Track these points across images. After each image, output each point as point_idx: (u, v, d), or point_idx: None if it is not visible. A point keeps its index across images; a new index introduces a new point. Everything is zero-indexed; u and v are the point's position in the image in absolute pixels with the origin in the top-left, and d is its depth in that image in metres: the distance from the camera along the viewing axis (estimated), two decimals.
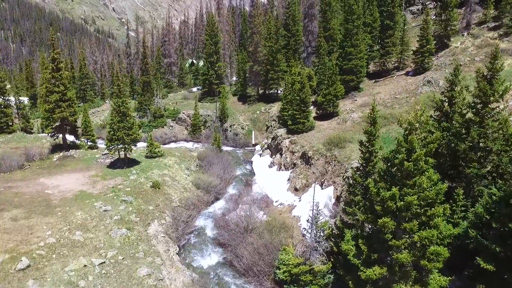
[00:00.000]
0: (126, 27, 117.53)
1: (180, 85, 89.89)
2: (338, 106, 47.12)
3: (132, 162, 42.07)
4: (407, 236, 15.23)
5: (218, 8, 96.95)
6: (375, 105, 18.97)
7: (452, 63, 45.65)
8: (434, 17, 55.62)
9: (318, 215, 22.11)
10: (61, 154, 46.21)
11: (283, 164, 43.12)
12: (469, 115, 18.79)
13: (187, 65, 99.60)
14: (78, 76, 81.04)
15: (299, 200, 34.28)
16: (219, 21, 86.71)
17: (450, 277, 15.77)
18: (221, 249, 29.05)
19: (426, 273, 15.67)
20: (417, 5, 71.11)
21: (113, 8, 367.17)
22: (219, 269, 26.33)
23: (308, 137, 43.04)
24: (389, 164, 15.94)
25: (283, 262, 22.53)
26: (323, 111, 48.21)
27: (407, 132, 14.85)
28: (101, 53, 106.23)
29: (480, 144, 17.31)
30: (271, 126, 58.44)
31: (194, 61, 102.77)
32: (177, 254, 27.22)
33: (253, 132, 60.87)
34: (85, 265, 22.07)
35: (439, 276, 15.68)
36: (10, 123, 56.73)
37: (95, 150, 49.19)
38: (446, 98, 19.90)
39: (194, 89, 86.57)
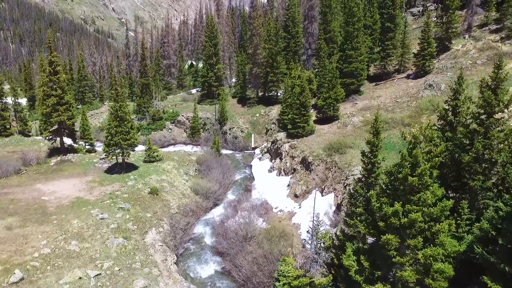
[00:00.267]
0: (125, 28, 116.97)
1: (179, 87, 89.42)
2: (339, 109, 46.64)
3: (130, 167, 41.56)
4: (411, 253, 14.74)
5: (217, 9, 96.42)
6: (378, 115, 18.45)
7: (453, 66, 45.26)
8: (435, 19, 55.16)
9: (319, 226, 21.60)
10: (59, 158, 45.68)
11: (283, 169, 42.63)
12: (473, 125, 18.31)
13: (186, 66, 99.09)
14: (76, 78, 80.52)
15: (299, 207, 33.80)
16: (218, 22, 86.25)
17: None
18: (220, 258, 28.55)
19: None
20: (417, 7, 70.61)
21: (113, 8, 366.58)
22: (217, 280, 25.83)
23: (308, 142, 42.54)
24: (392, 178, 15.45)
25: (283, 274, 21.96)
26: (323, 115, 47.73)
27: (411, 145, 14.36)
28: (100, 54, 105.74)
29: (485, 155, 16.80)
30: (271, 129, 58.01)
31: (194, 63, 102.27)
32: (175, 263, 26.73)
33: (252, 135, 60.39)
34: (80, 277, 21.56)
35: None
36: (8, 126, 56.31)
37: (93, 154, 48.70)
38: (450, 107, 19.40)
39: (194, 91, 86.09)
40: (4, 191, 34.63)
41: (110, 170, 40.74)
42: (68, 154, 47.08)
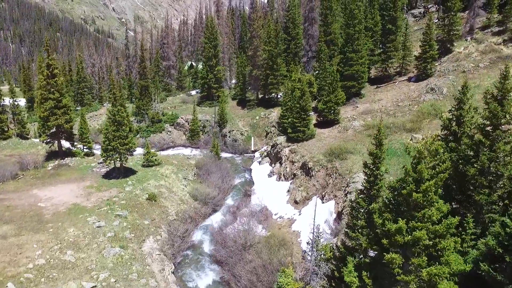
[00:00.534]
0: (125, 27, 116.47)
1: (179, 88, 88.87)
2: (339, 113, 46.12)
3: (128, 172, 41.07)
4: (415, 271, 14.24)
5: (217, 10, 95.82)
6: (381, 126, 17.92)
7: (455, 69, 44.76)
8: (437, 20, 54.62)
9: (319, 238, 21.11)
10: (56, 162, 45.20)
11: (282, 174, 42.12)
12: (478, 135, 17.79)
13: (186, 67, 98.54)
14: (75, 80, 79.98)
15: (299, 214, 33.30)
16: (218, 24, 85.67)
17: None
18: (218, 266, 28.07)
19: None
20: (419, 8, 69.97)
21: (113, 8, 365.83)
22: None
23: (309, 146, 42.04)
24: (395, 193, 14.94)
25: (282, 286, 21.50)
26: (323, 118, 47.21)
27: (415, 160, 13.83)
28: (99, 55, 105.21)
29: (491, 168, 16.29)
30: (271, 132, 57.47)
31: (193, 64, 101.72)
32: (173, 273, 26.27)
33: (252, 138, 59.85)
34: None
35: None
36: (6, 129, 55.72)
37: (91, 158, 48.16)
38: (453, 116, 18.89)
39: (193, 92, 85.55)
40: (0, 197, 34.16)
41: (108, 175, 40.26)
42: (66, 158, 46.64)
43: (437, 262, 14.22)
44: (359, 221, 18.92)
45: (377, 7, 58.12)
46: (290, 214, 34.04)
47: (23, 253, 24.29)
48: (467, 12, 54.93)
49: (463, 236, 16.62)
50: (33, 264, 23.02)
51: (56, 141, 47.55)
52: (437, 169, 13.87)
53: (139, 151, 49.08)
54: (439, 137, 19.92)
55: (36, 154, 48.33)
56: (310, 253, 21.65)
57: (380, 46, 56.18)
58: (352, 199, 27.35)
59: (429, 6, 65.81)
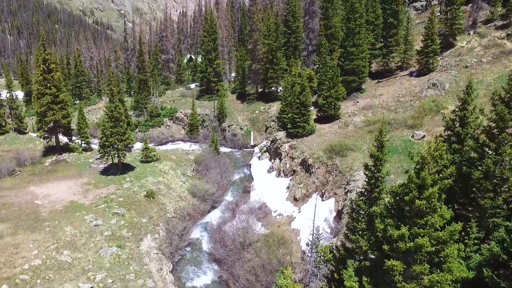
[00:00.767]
0: (124, 19, 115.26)
1: (178, 82, 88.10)
2: (340, 108, 45.56)
3: (126, 168, 40.69)
4: (416, 278, 13.90)
5: (216, 3, 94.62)
6: (383, 127, 17.44)
7: (458, 64, 44.10)
8: (439, 14, 53.81)
9: (319, 240, 20.78)
10: (54, 158, 44.84)
11: (282, 170, 41.74)
12: (482, 136, 17.33)
13: (185, 60, 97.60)
14: (73, 74, 79.22)
15: (299, 212, 32.97)
16: (217, 16, 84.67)
17: None
18: (217, 265, 27.81)
19: None
20: (421, 1, 68.96)
21: None
22: None
23: (308, 142, 41.59)
24: (397, 198, 14.51)
25: None
26: (324, 114, 46.67)
27: (419, 166, 13.38)
28: (98, 48, 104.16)
29: (496, 171, 15.86)
30: (271, 126, 57.00)
31: (193, 57, 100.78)
32: (171, 272, 26.00)
33: (252, 132, 59.38)
34: None
35: None
36: (3, 124, 55.23)
37: (89, 153, 47.74)
38: (457, 117, 18.40)
39: (192, 86, 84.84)
40: None
41: (105, 171, 39.88)
42: (64, 154, 46.24)
43: (439, 269, 13.88)
44: (359, 224, 18.57)
45: (379, 0, 57.17)
46: (290, 212, 33.72)
47: (19, 253, 24.00)
48: (470, 5, 54.16)
49: (466, 240, 16.27)
50: (29, 265, 22.73)
51: (54, 137, 47.14)
52: (441, 175, 13.44)
53: (138, 145, 48.66)
54: (442, 138, 19.51)
55: (34, 149, 47.94)
56: (309, 255, 21.33)
57: (381, 40, 55.38)
58: (353, 198, 26.98)
59: None
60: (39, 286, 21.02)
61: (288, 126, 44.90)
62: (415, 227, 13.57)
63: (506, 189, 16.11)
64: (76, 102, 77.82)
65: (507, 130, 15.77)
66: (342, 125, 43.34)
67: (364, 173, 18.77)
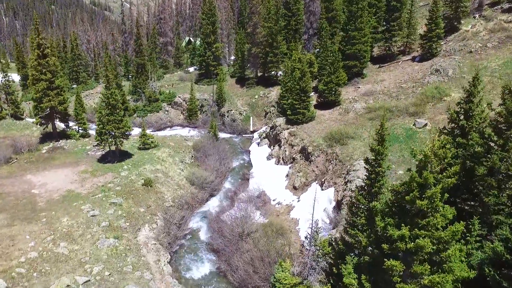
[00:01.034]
0: (121, 0, 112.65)
1: (177, 65, 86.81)
2: (340, 94, 44.76)
3: (124, 155, 40.22)
4: (415, 277, 13.60)
5: None
6: (384, 121, 16.83)
7: (462, 49, 43.10)
8: None
9: (318, 233, 20.48)
10: (51, 145, 44.33)
11: (281, 157, 41.30)
12: (488, 130, 16.76)
13: (183, 43, 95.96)
14: (70, 57, 77.87)
15: (298, 200, 32.69)
16: None
17: None
18: (215, 256, 27.67)
19: None
20: None
21: None
22: (212, 282, 24.99)
23: (308, 129, 41.01)
24: (399, 196, 14.06)
25: (279, 281, 21.07)
26: (324, 99, 45.89)
27: (422, 164, 12.85)
28: (95, 30, 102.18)
29: (501, 168, 15.35)
30: (270, 112, 56.29)
31: (191, 39, 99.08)
32: (169, 263, 25.86)
33: (251, 118, 58.70)
34: (68, 285, 20.66)
35: None
36: None
37: (87, 140, 47.17)
38: (462, 109, 17.76)
39: (191, 69, 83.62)
40: None
41: (103, 159, 39.44)
42: (61, 140, 45.71)
43: (439, 269, 13.56)
44: (359, 219, 18.21)
45: None
46: (289, 200, 33.44)
47: (16, 245, 23.78)
48: None
49: (468, 237, 15.92)
50: (25, 257, 22.52)
51: (51, 123, 46.52)
52: (444, 173, 12.94)
53: (136, 131, 48.08)
54: (445, 130, 18.94)
55: (31, 136, 47.42)
56: (308, 248, 21.08)
57: (384, 23, 54.01)
58: (353, 189, 26.68)
59: None
60: (36, 280, 20.85)
61: (287, 113, 44.21)
62: (416, 228, 13.17)
63: (511, 185, 15.63)
64: (73, 86, 76.83)
65: None
66: (342, 111, 42.65)
67: (365, 167, 18.30)
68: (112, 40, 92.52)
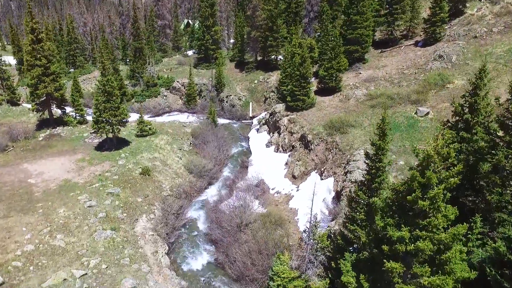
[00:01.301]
0: None
1: (175, 49, 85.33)
2: (341, 80, 43.90)
3: (122, 143, 39.78)
4: (415, 279, 13.31)
5: None
6: (386, 115, 16.25)
7: (466, 34, 41.99)
8: None
9: (316, 227, 20.20)
10: (48, 132, 43.83)
11: (281, 145, 40.81)
12: (493, 124, 16.22)
13: (182, 26, 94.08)
14: (66, 41, 76.40)
15: (297, 190, 32.39)
16: None
17: None
18: (213, 246, 27.52)
19: None
20: None
21: None
22: (210, 273, 24.88)
23: (308, 116, 40.39)
24: (399, 195, 13.63)
25: (277, 274, 20.90)
26: (324, 85, 45.07)
27: (424, 164, 12.35)
28: (91, 12, 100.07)
29: (506, 166, 14.86)
30: (270, 97, 55.55)
31: (190, 22, 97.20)
32: (166, 254, 25.71)
33: (250, 103, 57.97)
34: (64, 279, 20.51)
35: None
36: None
37: (84, 126, 46.59)
38: (467, 102, 17.13)
39: (190, 53, 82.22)
40: None
41: (100, 147, 39.00)
42: (58, 127, 45.17)
43: (440, 271, 13.25)
44: (358, 214, 17.89)
45: None
46: (288, 190, 33.14)
47: (12, 237, 23.57)
48: None
49: (469, 235, 15.59)
50: (22, 250, 22.33)
51: (47, 110, 45.87)
52: (447, 173, 12.47)
53: (134, 117, 47.41)
54: (449, 124, 18.38)
55: (27, 122, 46.91)
56: (307, 242, 20.83)
57: (386, 6, 52.57)
58: (352, 180, 26.33)
59: None
60: (32, 274, 20.69)
61: (287, 99, 43.49)
62: (416, 229, 12.79)
63: None
64: (70, 70, 75.68)
65: None
66: (343, 98, 41.93)
67: (365, 162, 17.85)
68: (109, 23, 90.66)
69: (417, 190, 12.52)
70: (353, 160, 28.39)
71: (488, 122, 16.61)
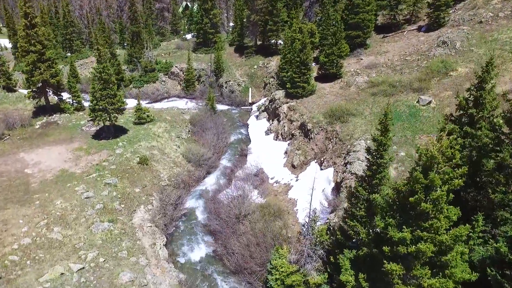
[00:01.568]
0: None
1: (174, 32, 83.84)
2: (342, 67, 43.04)
3: (119, 131, 39.31)
4: (415, 281, 13.08)
5: None
6: (388, 110, 15.71)
7: (471, 19, 40.90)
8: None
9: (315, 222, 19.94)
10: (44, 119, 43.30)
11: (280, 133, 40.33)
12: (498, 120, 15.70)
13: (180, 9, 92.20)
14: (62, 25, 74.86)
15: (296, 180, 32.08)
16: None
17: None
18: (212, 238, 27.40)
19: None
20: None
21: None
22: (208, 266, 24.80)
23: (308, 104, 39.75)
24: (401, 195, 13.26)
25: (276, 268, 20.80)
26: (325, 72, 44.24)
27: (428, 164, 11.91)
28: None
29: (511, 164, 14.42)
30: (269, 83, 54.78)
31: (189, 4, 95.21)
32: (164, 246, 25.60)
33: (250, 89, 57.19)
34: (62, 273, 20.38)
35: None
36: None
37: (81, 113, 45.98)
38: (472, 96, 16.56)
39: (189, 36, 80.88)
40: None
41: (97, 135, 38.54)
42: (55, 115, 44.59)
43: (440, 273, 13.01)
44: (358, 210, 17.58)
45: None
46: (287, 179, 32.83)
47: (9, 230, 23.39)
48: None
49: (471, 233, 15.28)
50: (19, 244, 22.16)
51: (43, 97, 45.18)
52: (451, 174, 12.05)
53: (133, 103, 46.71)
54: (452, 117, 17.86)
55: (24, 109, 46.28)
56: (305, 235, 20.63)
57: None
58: (352, 172, 25.98)
59: None
60: (29, 268, 20.56)
61: (287, 86, 42.75)
62: (418, 230, 12.48)
63: None
64: (67, 55, 74.47)
65: None
66: (344, 85, 41.18)
67: (366, 157, 17.43)
68: (106, 6, 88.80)
69: (419, 191, 12.15)
70: (353, 151, 27.96)
71: (493, 117, 16.10)
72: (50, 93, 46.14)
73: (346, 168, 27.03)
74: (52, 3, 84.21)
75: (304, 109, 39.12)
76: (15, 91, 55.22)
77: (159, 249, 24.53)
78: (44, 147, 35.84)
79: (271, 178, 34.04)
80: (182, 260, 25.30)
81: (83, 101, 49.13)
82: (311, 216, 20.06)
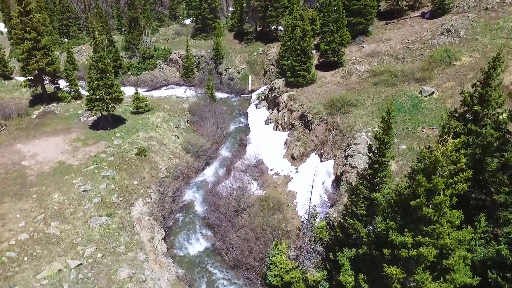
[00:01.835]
0: None
1: (172, 18, 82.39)
2: (343, 55, 42.24)
3: (117, 121, 38.82)
4: (416, 285, 12.86)
5: None
6: (392, 108, 15.22)
7: (477, 5, 40.03)
8: None
9: (315, 219, 19.69)
10: (41, 109, 42.73)
11: (280, 123, 39.83)
12: (504, 117, 15.24)
13: None
14: (58, 10, 73.42)
15: (296, 171, 31.77)
16: None
17: None
18: (210, 231, 27.24)
19: None
20: None
21: None
22: (207, 260, 24.69)
23: (309, 93, 39.15)
24: (403, 197, 12.92)
25: (275, 264, 20.68)
26: (326, 60, 43.47)
27: (431, 168, 11.52)
28: None
29: None
30: (269, 71, 53.99)
31: None
32: (163, 239, 25.47)
33: (249, 77, 56.38)
34: (59, 270, 20.26)
35: None
36: None
37: (78, 102, 45.31)
38: (476, 93, 16.05)
39: (188, 21, 79.50)
40: None
41: (95, 125, 38.05)
42: (52, 104, 43.98)
43: (441, 277, 12.77)
44: (358, 208, 17.29)
45: None
46: (287, 171, 32.52)
47: (6, 225, 23.19)
48: None
49: (473, 234, 15.01)
50: (16, 239, 21.98)
51: (40, 85, 44.49)
52: (455, 178, 11.68)
53: (131, 91, 45.97)
54: (456, 114, 17.39)
55: (20, 98, 45.62)
56: (305, 232, 20.42)
57: None
58: (353, 165, 25.63)
59: None
60: (27, 264, 20.43)
61: (287, 74, 42.06)
62: (419, 235, 12.19)
63: None
64: (64, 41, 73.27)
65: None
66: (345, 74, 40.49)
67: (367, 155, 17.05)
68: None
69: (422, 195, 11.80)
70: (354, 143, 27.55)
71: (498, 114, 15.65)
72: (47, 81, 45.44)
73: (347, 161, 26.68)
74: None
75: (304, 99, 38.54)
76: (11, 78, 54.39)
77: (158, 243, 24.40)
78: (41, 138, 35.42)
79: (271, 170, 33.74)
80: (180, 254, 25.20)
81: (80, 89, 48.48)
82: (310, 213, 19.80)
